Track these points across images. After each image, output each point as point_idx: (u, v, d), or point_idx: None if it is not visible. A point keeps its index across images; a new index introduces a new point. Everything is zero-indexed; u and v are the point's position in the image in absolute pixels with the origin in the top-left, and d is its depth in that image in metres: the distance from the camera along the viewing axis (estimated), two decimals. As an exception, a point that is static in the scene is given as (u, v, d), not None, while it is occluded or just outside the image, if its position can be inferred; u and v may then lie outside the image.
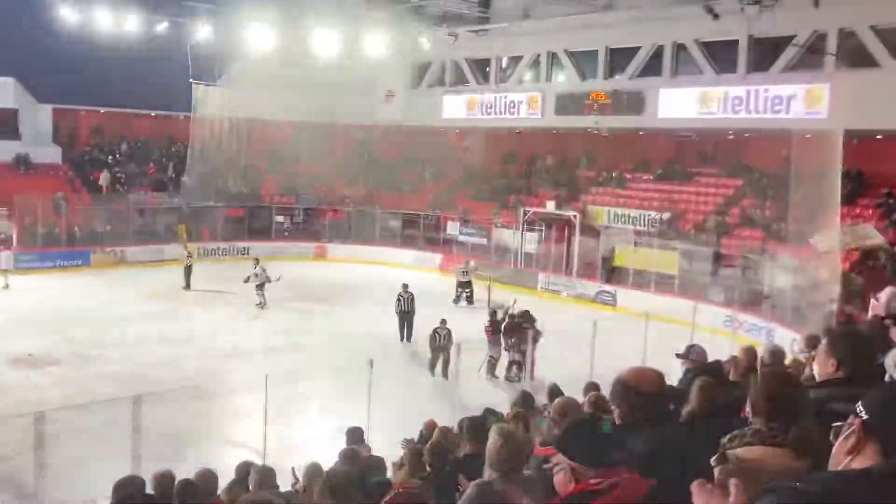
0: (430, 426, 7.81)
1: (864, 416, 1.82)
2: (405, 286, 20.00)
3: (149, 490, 4.87)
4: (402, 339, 19.57)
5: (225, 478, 6.25)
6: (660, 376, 3.32)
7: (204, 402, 12.60)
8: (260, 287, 22.63)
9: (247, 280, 22.84)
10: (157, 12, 30.14)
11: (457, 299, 24.58)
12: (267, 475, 5.58)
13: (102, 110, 36.54)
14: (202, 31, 30.50)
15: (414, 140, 38.16)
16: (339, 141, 39.26)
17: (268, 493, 2.32)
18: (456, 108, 35.52)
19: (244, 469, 5.84)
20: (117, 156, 35.78)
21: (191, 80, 33.61)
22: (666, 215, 27.45)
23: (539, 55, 32.58)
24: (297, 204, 35.21)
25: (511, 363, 16.49)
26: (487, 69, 35.41)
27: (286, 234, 33.96)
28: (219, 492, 5.45)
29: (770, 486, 1.75)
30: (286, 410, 11.74)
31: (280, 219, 34.34)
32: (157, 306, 22.57)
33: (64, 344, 17.93)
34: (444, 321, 17.24)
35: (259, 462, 7.57)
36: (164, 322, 20.71)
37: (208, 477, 5.23)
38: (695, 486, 1.93)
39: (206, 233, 32.92)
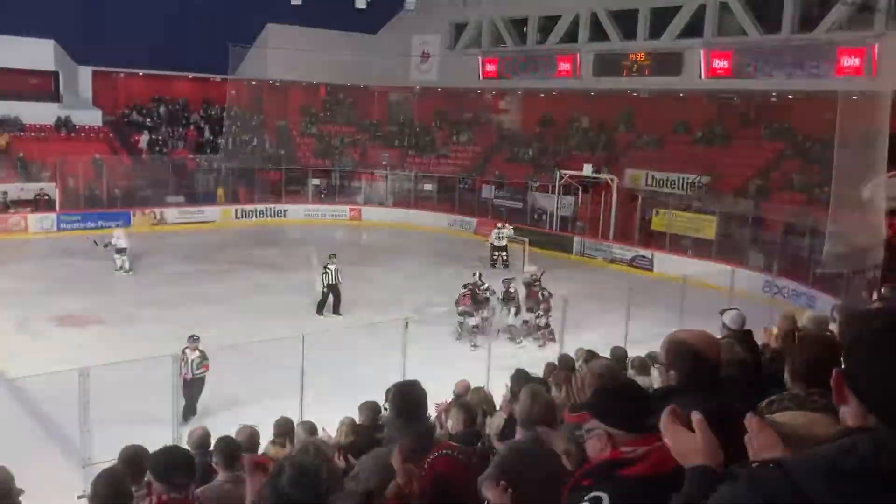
0: (464, 387, 7.86)
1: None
2: (332, 257, 18.86)
3: (186, 446, 4.99)
4: (320, 313, 18.44)
5: (264, 436, 6.38)
6: (718, 341, 3.26)
7: (243, 362, 12.82)
8: (120, 252, 21.97)
9: (106, 245, 22.23)
10: (195, -27, 30.13)
11: (493, 263, 24.55)
12: (309, 431, 5.69)
13: (141, 73, 36.81)
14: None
15: (449, 102, 37.96)
16: (374, 102, 39.21)
17: (311, 453, 2.36)
18: (492, 69, 35.12)
19: (285, 425, 5.94)
20: (155, 118, 36.12)
21: (228, 42, 33.67)
22: (705, 179, 27.01)
23: (578, 15, 31.99)
24: (332, 167, 35.32)
25: (536, 327, 16.74)
26: (525, 29, 34.89)
27: (322, 196, 34.11)
28: (261, 449, 5.58)
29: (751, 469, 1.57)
30: (323, 368, 11.89)
31: (315, 181, 34.49)
32: (195, 266, 22.91)
33: (107, 303, 18.32)
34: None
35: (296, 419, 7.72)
36: (203, 282, 21.05)
37: (250, 434, 5.34)
38: (667, 417, 1.91)
39: (243, 195, 33.23)
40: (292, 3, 30.39)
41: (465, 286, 17.19)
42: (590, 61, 31.45)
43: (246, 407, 10.47)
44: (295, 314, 18.02)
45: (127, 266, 22.09)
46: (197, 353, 11.64)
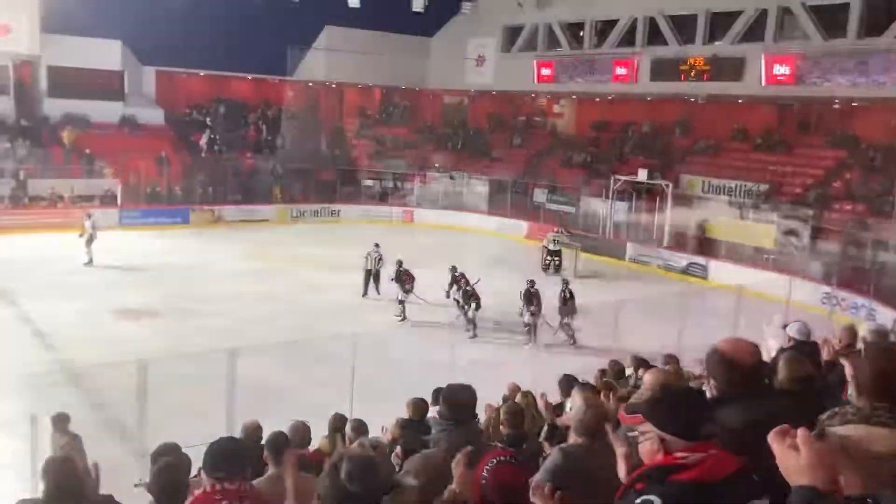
0: (513, 389, 7.84)
1: None
2: (376, 245, 20.46)
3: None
4: (364, 294, 20.09)
5: (315, 432, 6.46)
6: (757, 349, 3.22)
7: (295, 359, 13.00)
8: (89, 243, 22.20)
9: (81, 234, 22.55)
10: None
11: (546, 267, 24.41)
12: (360, 428, 5.75)
13: (202, 73, 37.66)
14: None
15: (503, 105, 37.93)
16: (428, 105, 39.40)
17: (369, 448, 2.40)
18: (548, 72, 34.97)
19: (337, 421, 6.01)
20: (215, 118, 36.89)
21: (287, 44, 34.23)
22: (763, 186, 26.45)
23: (636, 19, 31.66)
24: (386, 168, 35.59)
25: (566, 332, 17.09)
26: (581, 33, 34.68)
27: (375, 198, 34.41)
28: (311, 445, 5.66)
29: None
30: (373, 367, 11.98)
31: (369, 183, 34.81)
32: (251, 264, 23.32)
33: (164, 298, 18.76)
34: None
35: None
36: (258, 280, 21.42)
37: (301, 429, 5.42)
38: (773, 435, 1.86)
39: (299, 195, 33.72)
40: (350, 5, 30.82)
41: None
42: (647, 66, 31.12)
43: (297, 402, 10.61)
44: (346, 313, 18.20)
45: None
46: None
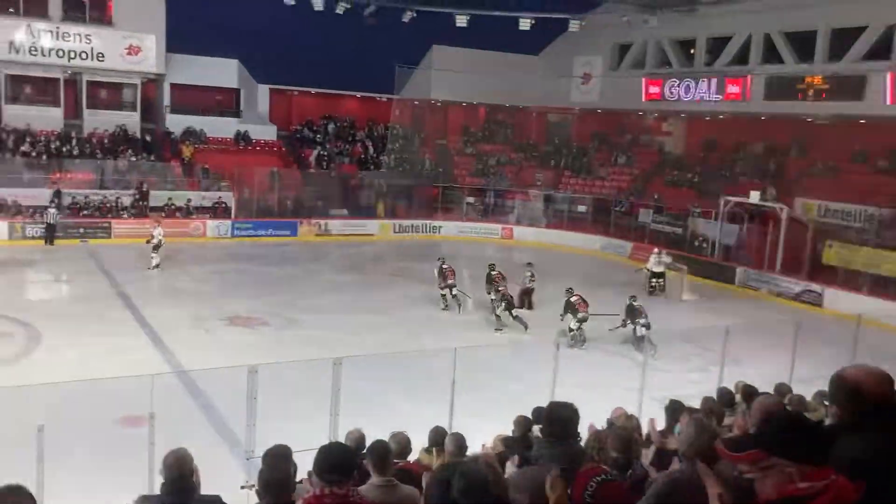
0: (620, 414, 7.65)
1: None
2: (529, 264, 20.77)
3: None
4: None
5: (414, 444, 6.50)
6: (888, 378, 3.01)
7: (395, 371, 13.16)
8: (156, 248, 23.10)
9: (148, 241, 23.48)
10: (367, -4, 31.57)
11: (652, 290, 23.81)
12: (460, 442, 5.74)
13: (313, 91, 38.96)
14: (407, 16, 31.58)
15: (609, 123, 37.45)
16: (532, 123, 39.35)
17: (481, 464, 2.39)
18: (656, 90, 34.31)
19: (438, 434, 6.03)
20: (324, 135, 38.04)
21: (395, 63, 34.99)
22: (886, 211, 24.98)
23: (750, 36, 30.68)
24: (487, 185, 35.72)
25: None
26: (692, 51, 33.89)
27: (476, 214, 34.56)
28: (411, 456, 5.70)
29: None
30: (473, 382, 11.97)
31: (470, 199, 35.00)
32: (354, 277, 23.81)
33: (271, 307, 19.38)
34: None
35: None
36: (360, 292, 21.84)
37: (402, 440, 5.46)
38: None
39: (401, 210, 34.27)
40: (457, 25, 31.20)
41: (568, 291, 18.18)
42: (761, 84, 30.06)
43: (397, 414, 10.72)
44: (445, 328, 18.31)
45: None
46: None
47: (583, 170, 36.18)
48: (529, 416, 7.11)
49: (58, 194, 27.90)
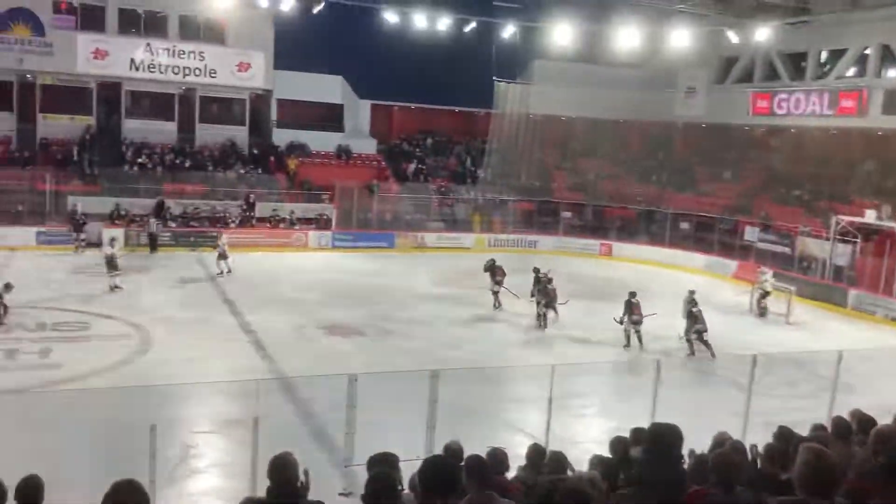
0: (723, 438, 7.35)
1: None
2: (691, 292, 19.29)
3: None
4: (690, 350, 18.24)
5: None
6: None
7: (489, 385, 13.12)
8: (221, 258, 24.05)
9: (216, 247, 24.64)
10: (467, 13, 31.85)
11: (762, 312, 22.89)
12: (560, 460, 5.65)
13: (412, 106, 39.57)
14: (507, 31, 31.67)
15: (713, 138, 36.40)
16: (633, 138, 38.68)
17: (585, 482, 2.33)
18: (764, 104, 33.14)
19: (536, 452, 5.95)
20: (423, 149, 38.51)
21: (494, 77, 35.13)
22: None
23: (867, 48, 29.24)
24: (585, 200, 35.28)
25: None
26: (803, 64, 32.60)
27: (573, 229, 34.15)
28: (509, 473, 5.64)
29: None
30: (567, 403, 11.79)
31: (568, 214, 34.63)
32: (449, 290, 23.90)
33: (368, 317, 19.69)
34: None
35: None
36: (455, 305, 21.92)
37: (499, 456, 5.40)
38: None
39: (497, 224, 34.26)
40: (559, 38, 31.05)
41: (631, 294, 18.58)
42: (879, 98, 28.58)
43: (492, 428, 10.67)
44: (541, 344, 18.13)
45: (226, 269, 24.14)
46: None
47: (686, 185, 35.25)
48: (627, 437, 6.92)
49: (160, 205, 29.29)
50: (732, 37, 31.53)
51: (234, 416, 11.04)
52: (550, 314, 19.90)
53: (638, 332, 18.18)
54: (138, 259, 25.57)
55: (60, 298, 19.63)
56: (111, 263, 21.38)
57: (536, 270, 21.14)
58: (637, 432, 7.23)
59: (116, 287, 21.15)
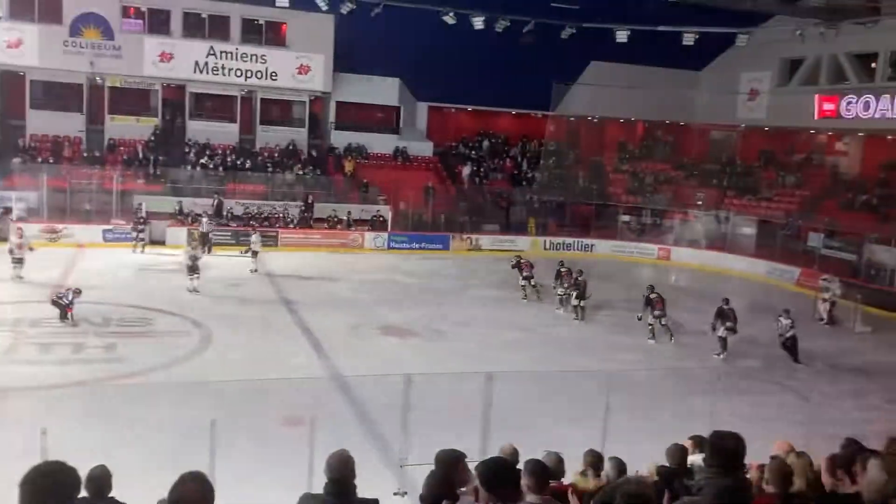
0: (784, 448, 7.15)
1: None
2: (786, 311, 18.26)
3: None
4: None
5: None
6: None
7: (543, 388, 13.02)
8: (254, 255, 24.48)
9: (247, 250, 25.10)
10: (525, 15, 31.68)
11: (831, 320, 22.27)
12: (620, 467, 5.58)
13: (469, 108, 39.60)
14: (566, 32, 31.39)
15: (777, 141, 35.54)
16: (693, 141, 38.03)
17: (645, 485, 2.29)
18: (831, 107, 32.20)
19: (594, 457, 5.89)
20: (479, 151, 38.49)
21: (551, 79, 34.89)
22: None
23: (943, 47, 28.19)
24: (644, 204, 34.80)
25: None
26: (873, 65, 31.57)
27: (632, 234, 33.72)
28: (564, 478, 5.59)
29: None
30: (624, 406, 11.64)
31: (626, 218, 34.21)
32: (503, 293, 23.83)
33: (422, 319, 19.75)
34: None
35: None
36: (509, 308, 21.85)
37: (555, 460, 5.36)
38: None
39: (553, 227, 34.03)
40: (618, 40, 30.66)
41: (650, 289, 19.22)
42: (954, 100, 27.51)
43: (546, 432, 10.59)
44: (595, 349, 17.93)
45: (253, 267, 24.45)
46: None
47: (748, 190, 34.49)
48: (685, 444, 6.79)
49: (219, 205, 29.86)
50: (797, 38, 30.66)
51: (292, 413, 11.19)
52: (573, 302, 20.97)
53: (665, 324, 18.84)
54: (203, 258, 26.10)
55: (125, 295, 20.19)
56: (192, 267, 21.08)
57: (561, 263, 22.66)
58: (697, 440, 7.11)
59: (195, 290, 20.88)
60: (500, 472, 3.28)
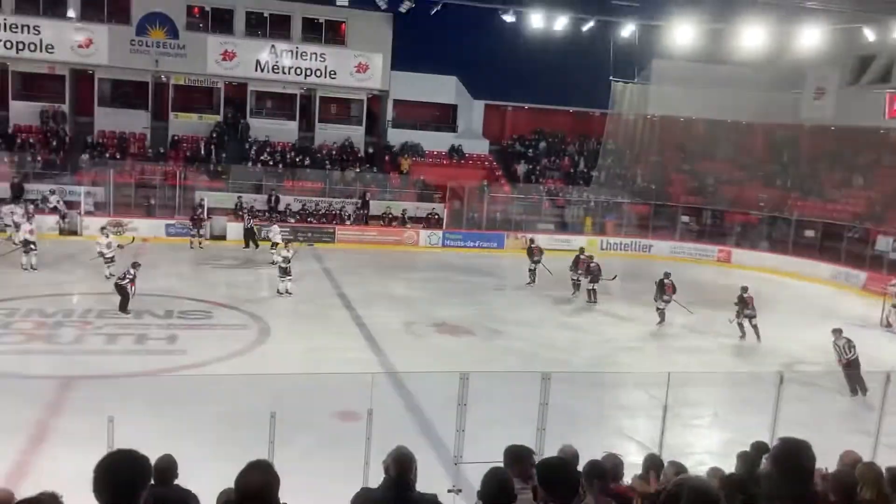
0: (851, 460, 6.92)
1: None
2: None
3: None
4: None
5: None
6: None
7: (599, 389, 12.90)
8: (284, 272, 20.67)
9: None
10: (585, 12, 31.40)
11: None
12: (680, 470, 5.48)
13: (526, 106, 39.42)
14: (626, 30, 31.03)
15: (844, 142, 34.46)
16: (756, 140, 37.19)
17: (712, 479, 2.24)
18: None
19: (653, 460, 5.80)
20: (535, 150, 38.28)
21: (611, 77, 34.51)
22: None
23: None
24: (704, 204, 34.13)
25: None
26: (948, 63, 30.38)
27: (691, 235, 33.12)
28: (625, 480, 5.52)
29: None
30: (678, 412, 11.44)
31: (685, 219, 33.61)
32: (559, 292, 23.67)
33: (477, 316, 19.74)
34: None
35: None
36: (565, 307, 21.70)
37: (615, 462, 5.30)
38: None
39: (610, 227, 33.64)
40: (679, 37, 30.16)
41: None
42: None
43: (603, 434, 10.49)
44: (652, 350, 17.68)
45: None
46: None
47: (812, 191, 33.55)
48: (751, 451, 6.62)
49: (276, 200, 30.27)
50: (869, 34, 29.68)
51: (347, 408, 11.31)
52: (588, 286, 22.37)
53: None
54: (260, 253, 26.58)
55: (186, 288, 20.67)
56: (285, 269, 20.55)
57: (581, 250, 24.14)
58: (762, 446, 6.92)
59: (287, 292, 20.45)
60: (561, 473, 3.25)
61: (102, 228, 23.49)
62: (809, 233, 30.84)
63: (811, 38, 29.44)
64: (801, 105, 35.34)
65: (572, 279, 23.15)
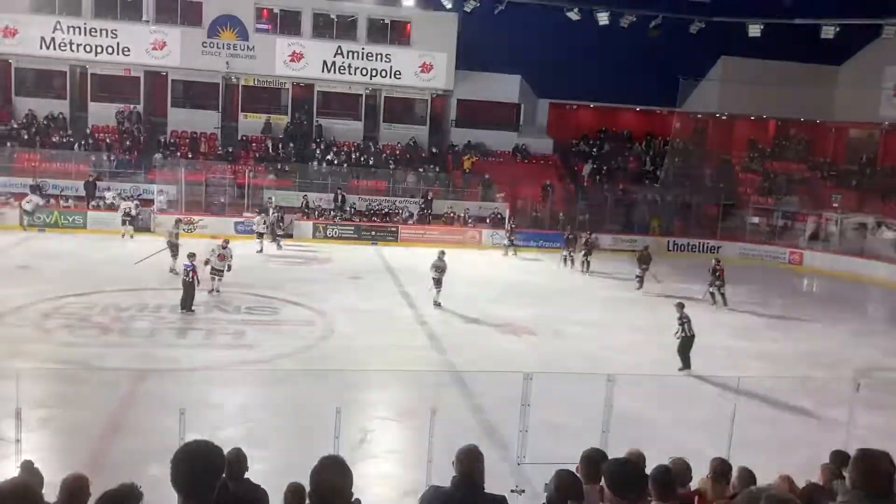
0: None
1: None
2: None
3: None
4: None
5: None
6: None
7: (663, 391, 12.66)
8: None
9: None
10: (652, 9, 30.91)
11: None
12: (749, 476, 5.36)
13: (592, 105, 39.00)
14: (695, 27, 30.44)
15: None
16: (830, 139, 36.04)
17: (790, 493, 2.17)
18: None
19: (723, 465, 5.67)
20: (601, 149, 37.84)
21: (678, 75, 33.89)
22: None
23: None
24: (775, 205, 33.20)
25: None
26: None
27: (761, 236, 32.24)
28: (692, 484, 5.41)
29: None
30: (751, 413, 11.17)
31: (755, 220, 32.75)
32: (622, 294, 23.37)
33: (541, 317, 19.60)
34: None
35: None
36: (628, 310, 21.38)
37: (682, 467, 5.20)
38: None
39: (678, 227, 33.02)
40: (750, 35, 29.44)
41: None
42: None
43: (668, 438, 10.30)
44: (718, 355, 17.25)
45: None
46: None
47: (891, 193, 32.30)
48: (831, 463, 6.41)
49: (342, 199, 30.62)
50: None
51: (411, 406, 11.38)
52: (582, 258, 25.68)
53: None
54: (326, 249, 26.93)
55: (253, 284, 21.10)
56: (438, 280, 20.07)
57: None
58: (837, 455, 6.70)
59: (437, 304, 19.82)
60: (629, 475, 3.21)
61: (177, 221, 24.09)
62: (888, 235, 29.71)
63: (890, 32, 28.38)
64: (878, 103, 34.06)
65: (563, 255, 26.93)
